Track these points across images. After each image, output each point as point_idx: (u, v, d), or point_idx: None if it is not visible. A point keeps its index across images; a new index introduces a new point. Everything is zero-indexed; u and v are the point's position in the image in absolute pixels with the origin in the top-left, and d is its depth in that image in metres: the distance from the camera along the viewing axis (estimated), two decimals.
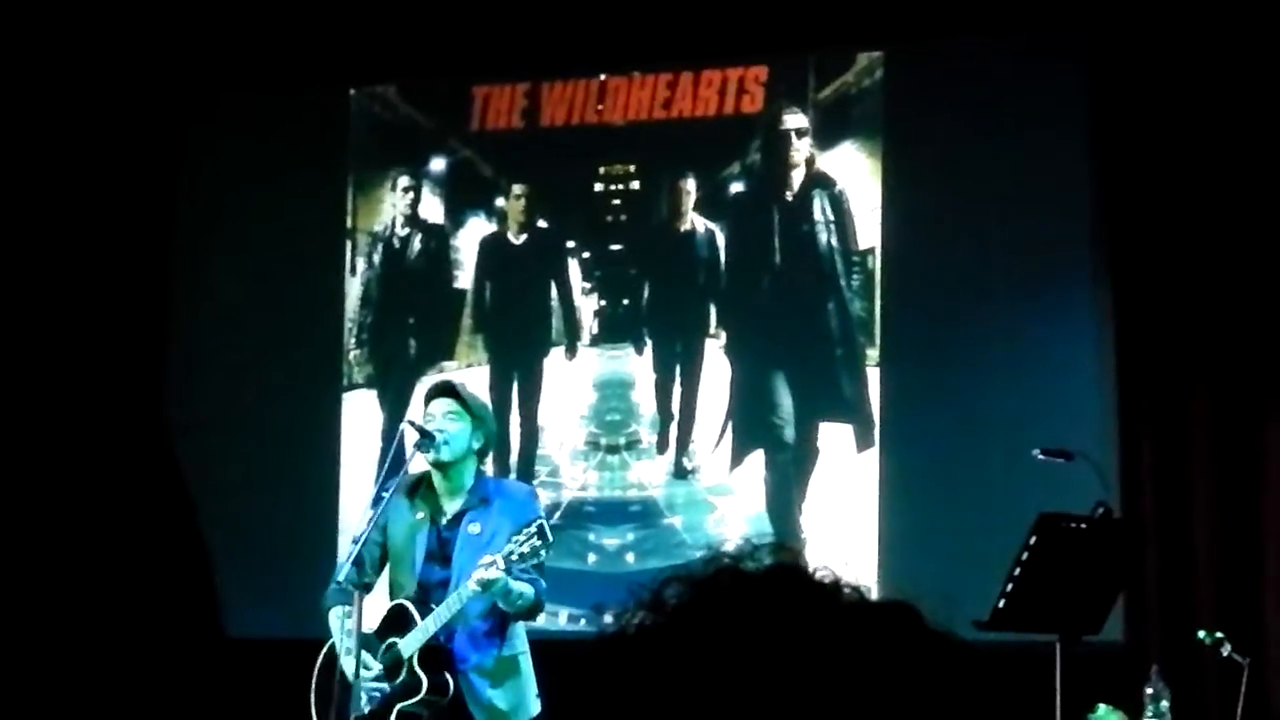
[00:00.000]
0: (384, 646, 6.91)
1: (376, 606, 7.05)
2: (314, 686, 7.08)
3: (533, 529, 6.67)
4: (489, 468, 8.79)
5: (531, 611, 6.88)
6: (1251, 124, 8.52)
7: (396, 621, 6.93)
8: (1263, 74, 8.51)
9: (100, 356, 9.85)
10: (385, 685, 6.89)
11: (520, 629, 7.00)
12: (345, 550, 7.66)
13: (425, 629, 6.83)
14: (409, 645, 6.86)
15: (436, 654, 6.86)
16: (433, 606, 6.85)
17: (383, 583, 7.14)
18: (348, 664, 6.84)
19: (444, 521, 6.99)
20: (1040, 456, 7.51)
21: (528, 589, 6.76)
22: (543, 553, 6.72)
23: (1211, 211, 8.55)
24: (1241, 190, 8.52)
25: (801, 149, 9.35)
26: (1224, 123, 8.54)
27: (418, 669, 6.85)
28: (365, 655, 6.86)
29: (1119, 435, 8.63)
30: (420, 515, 6.99)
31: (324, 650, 7.08)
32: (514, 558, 6.63)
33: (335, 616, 7.01)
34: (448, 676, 6.86)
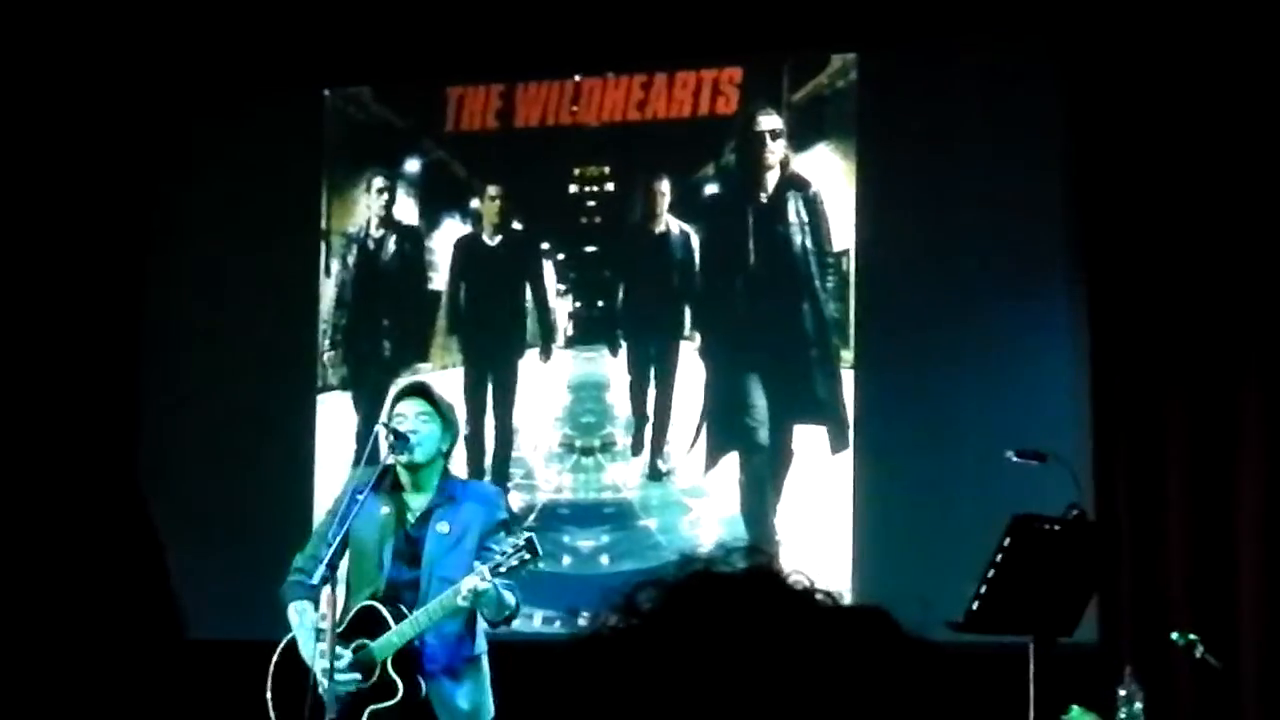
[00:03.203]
0: (353, 646, 6.90)
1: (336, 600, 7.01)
2: (271, 682, 7.06)
3: (522, 542, 6.69)
4: (463, 469, 8.81)
5: (510, 618, 6.90)
6: (1229, 127, 8.53)
7: (366, 622, 6.92)
8: (1240, 78, 8.52)
9: (73, 357, 9.82)
10: (356, 685, 6.87)
11: (482, 629, 7.01)
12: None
13: (402, 633, 6.83)
14: (383, 648, 6.85)
15: (409, 656, 6.86)
16: (402, 606, 6.85)
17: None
18: (317, 660, 6.82)
19: (411, 520, 6.99)
20: (1014, 459, 7.52)
21: (511, 597, 6.80)
22: (531, 565, 6.73)
23: (1186, 213, 8.56)
24: (1216, 191, 8.53)
25: (776, 151, 9.36)
26: (1201, 125, 8.55)
27: (391, 671, 6.85)
28: (336, 653, 6.84)
29: (1093, 437, 8.64)
30: (386, 511, 6.99)
31: (281, 645, 7.07)
32: (502, 570, 6.65)
33: (294, 611, 6.99)
34: (420, 679, 6.87)
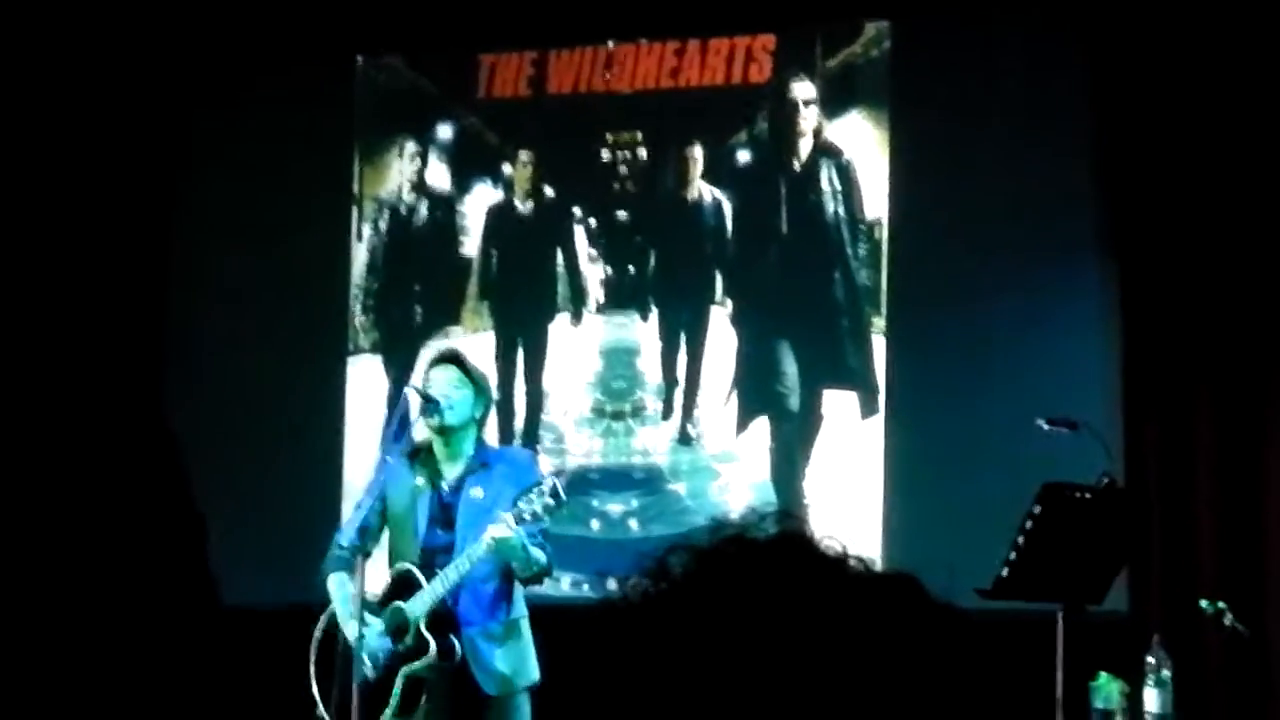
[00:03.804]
0: (390, 611, 6.93)
1: (378, 573, 7.07)
2: (314, 655, 7.10)
3: (545, 487, 6.68)
4: (494, 433, 8.83)
5: (540, 576, 6.91)
6: (1259, 100, 8.50)
7: (402, 587, 6.94)
8: (1271, 50, 8.49)
9: (103, 324, 9.85)
10: (391, 646, 6.90)
11: (521, 593, 7.02)
12: (347, 516, 7.69)
13: (434, 592, 6.84)
14: (416, 608, 6.87)
15: (443, 617, 6.87)
16: (437, 571, 6.87)
17: (381, 550, 7.16)
18: (350, 630, 6.85)
19: (445, 487, 7.00)
20: (1045, 426, 7.51)
21: (540, 555, 6.79)
22: (555, 512, 6.73)
23: (1218, 183, 8.54)
24: (1249, 164, 8.51)
25: (809, 118, 9.35)
26: (1231, 97, 8.53)
27: (425, 632, 6.87)
28: (369, 619, 6.87)
29: (1124, 405, 8.63)
30: (420, 481, 7.01)
31: (323, 618, 7.10)
32: (526, 517, 6.65)
33: (335, 584, 7.02)
34: (454, 640, 6.88)
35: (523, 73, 9.85)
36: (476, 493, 6.94)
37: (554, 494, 6.67)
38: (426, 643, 6.86)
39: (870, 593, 1.44)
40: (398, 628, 6.91)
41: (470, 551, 6.76)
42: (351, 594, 6.83)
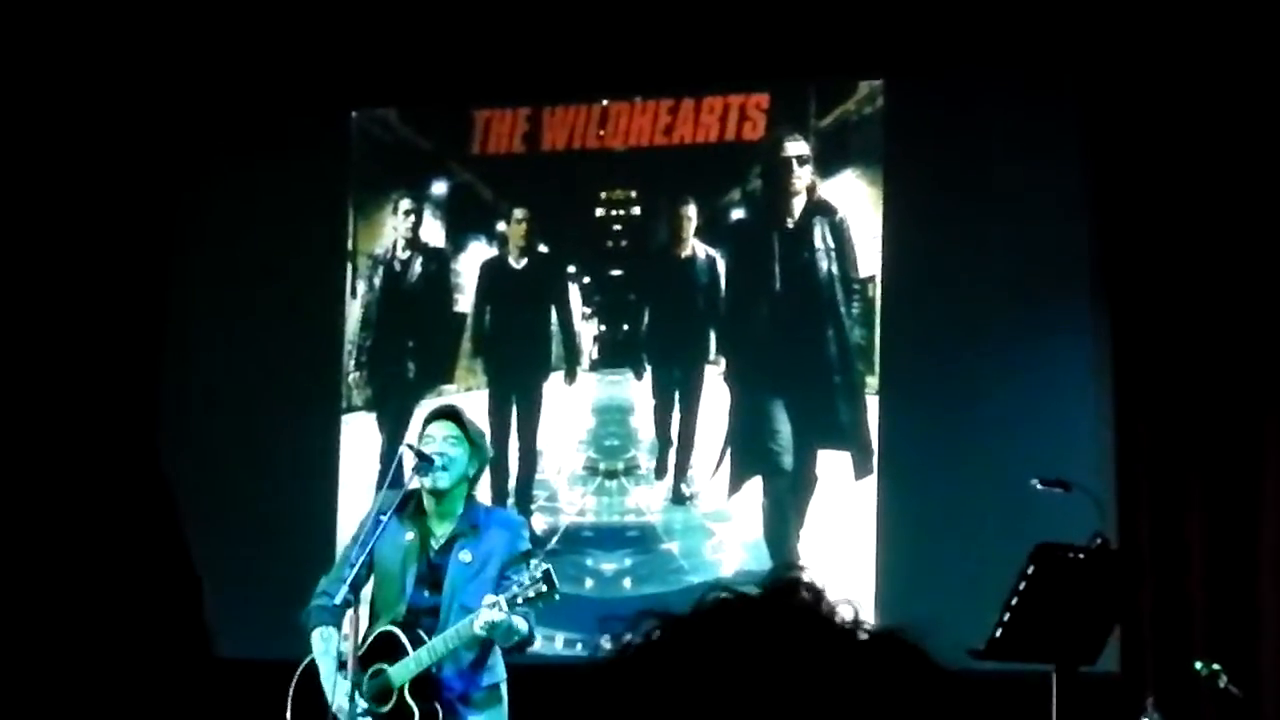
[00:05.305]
0: (370, 672, 6.89)
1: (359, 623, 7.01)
2: (290, 704, 7.06)
3: (538, 573, 6.64)
4: (487, 492, 8.81)
5: (522, 645, 6.87)
6: (1247, 155, 8.53)
7: (384, 648, 6.91)
8: (1256, 104, 8.52)
9: (98, 378, 9.84)
10: (375, 709, 6.87)
11: (499, 656, 6.98)
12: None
13: (419, 660, 6.81)
14: (400, 674, 6.84)
15: (426, 683, 6.84)
16: (420, 631, 6.84)
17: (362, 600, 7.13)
18: (339, 686, 6.81)
19: (435, 547, 6.98)
20: (1038, 486, 7.51)
21: (523, 625, 6.76)
22: (548, 598, 6.69)
23: (1210, 243, 8.55)
24: (1239, 221, 8.53)
25: (802, 176, 9.36)
26: (1226, 153, 8.55)
27: (409, 698, 6.84)
28: (349, 680, 6.83)
29: (1116, 465, 8.63)
30: (410, 537, 6.97)
31: (300, 668, 7.06)
32: (519, 602, 6.62)
33: (319, 638, 6.98)
34: (437, 706, 6.85)
35: (517, 129, 9.87)
36: (465, 556, 6.91)
37: (547, 580, 6.63)
38: (410, 710, 6.84)
39: (864, 652, 1.42)
40: (381, 692, 6.88)
41: (461, 629, 6.73)
42: (345, 652, 6.79)
